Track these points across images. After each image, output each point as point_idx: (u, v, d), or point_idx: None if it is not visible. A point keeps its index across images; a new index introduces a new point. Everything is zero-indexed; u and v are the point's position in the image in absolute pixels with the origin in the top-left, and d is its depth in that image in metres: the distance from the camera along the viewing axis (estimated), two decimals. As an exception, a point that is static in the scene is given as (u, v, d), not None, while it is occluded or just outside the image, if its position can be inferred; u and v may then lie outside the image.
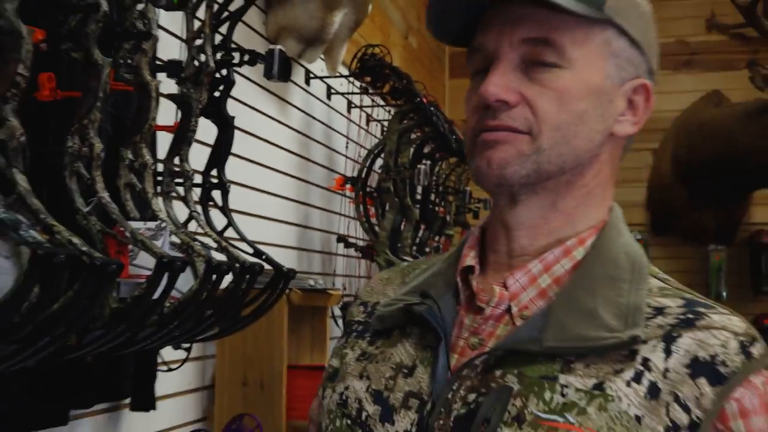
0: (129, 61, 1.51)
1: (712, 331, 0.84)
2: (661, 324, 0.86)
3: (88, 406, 1.79)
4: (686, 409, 0.81)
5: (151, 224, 1.50)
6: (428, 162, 3.51)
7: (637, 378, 0.83)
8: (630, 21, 0.92)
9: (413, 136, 3.28)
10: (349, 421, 0.94)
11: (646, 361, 0.84)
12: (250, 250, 1.77)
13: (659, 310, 0.87)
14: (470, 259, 0.97)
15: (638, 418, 0.81)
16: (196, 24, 1.70)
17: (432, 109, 3.25)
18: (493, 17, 0.91)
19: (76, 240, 1.20)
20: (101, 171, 1.42)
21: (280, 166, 2.89)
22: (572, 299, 0.88)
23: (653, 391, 0.82)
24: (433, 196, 3.67)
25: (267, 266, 1.70)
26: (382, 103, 3.66)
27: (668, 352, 0.84)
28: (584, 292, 0.88)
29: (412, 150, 3.25)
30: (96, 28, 1.38)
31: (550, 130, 0.88)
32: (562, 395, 0.83)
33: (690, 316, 0.86)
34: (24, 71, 1.20)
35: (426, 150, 3.47)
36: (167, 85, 1.69)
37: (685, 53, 5.13)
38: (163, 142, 1.75)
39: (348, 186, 3.15)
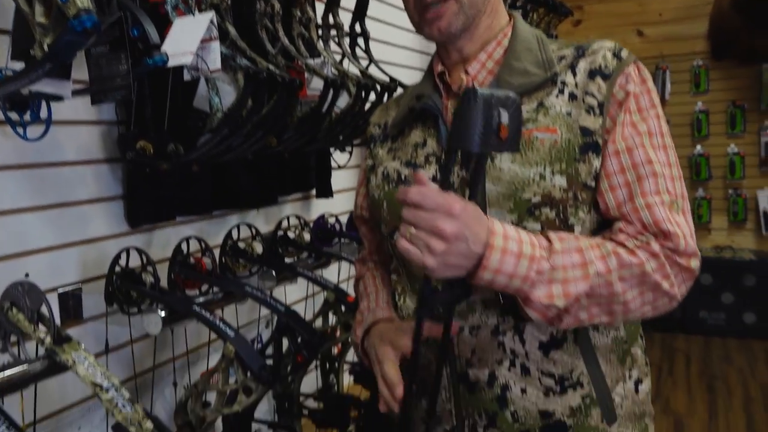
0: (290, -56, 1.61)
1: (595, 53, 1.01)
2: (565, 63, 1.02)
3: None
4: (593, 96, 0.98)
5: (318, 60, 1.64)
6: (520, 11, 3.44)
7: (561, 92, 1.00)
8: None
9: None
10: (393, 184, 1.11)
11: (562, 83, 1.01)
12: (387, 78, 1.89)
13: (562, 57, 1.03)
14: (440, 67, 1.10)
15: (568, 113, 0.98)
16: None
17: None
18: None
19: (271, 67, 1.37)
20: (281, 24, 1.57)
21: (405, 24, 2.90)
22: (509, 67, 1.03)
23: (572, 96, 0.99)
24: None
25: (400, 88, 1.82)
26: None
27: (574, 74, 1.01)
28: (515, 62, 1.03)
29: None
30: None
31: None
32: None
33: (580, 51, 1.03)
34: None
35: (518, 3, 3.40)
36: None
37: None
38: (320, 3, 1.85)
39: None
